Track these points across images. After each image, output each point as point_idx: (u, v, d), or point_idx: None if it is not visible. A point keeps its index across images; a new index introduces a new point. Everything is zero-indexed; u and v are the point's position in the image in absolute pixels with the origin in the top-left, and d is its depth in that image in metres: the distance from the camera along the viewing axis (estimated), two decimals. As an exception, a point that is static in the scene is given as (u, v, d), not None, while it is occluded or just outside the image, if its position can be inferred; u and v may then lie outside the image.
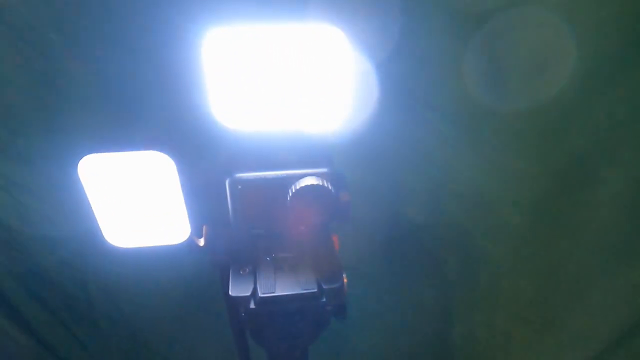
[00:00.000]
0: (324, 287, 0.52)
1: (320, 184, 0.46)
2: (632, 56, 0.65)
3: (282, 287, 0.52)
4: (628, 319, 0.96)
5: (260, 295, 0.50)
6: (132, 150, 0.44)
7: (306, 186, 0.46)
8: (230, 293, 0.51)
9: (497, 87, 0.65)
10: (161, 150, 0.45)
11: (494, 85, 0.65)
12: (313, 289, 0.52)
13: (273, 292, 0.51)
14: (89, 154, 0.44)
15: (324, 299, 0.52)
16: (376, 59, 0.46)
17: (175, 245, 0.52)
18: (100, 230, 0.50)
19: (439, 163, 0.74)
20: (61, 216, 0.72)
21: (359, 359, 1.05)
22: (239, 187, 0.46)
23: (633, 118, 0.73)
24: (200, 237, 0.53)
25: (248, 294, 0.51)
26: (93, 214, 0.48)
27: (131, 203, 0.49)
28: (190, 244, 0.52)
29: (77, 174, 0.45)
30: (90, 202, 0.47)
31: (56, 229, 0.79)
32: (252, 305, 0.51)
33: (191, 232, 0.52)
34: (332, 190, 0.47)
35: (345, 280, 0.54)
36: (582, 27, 0.61)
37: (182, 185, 0.48)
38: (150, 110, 0.50)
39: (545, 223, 0.88)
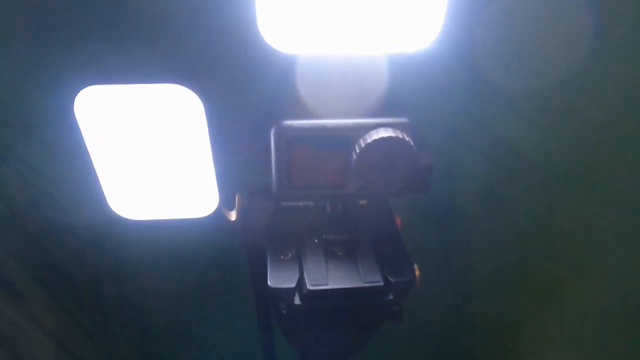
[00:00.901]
0: (392, 280, 0.40)
1: (399, 136, 0.34)
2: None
3: (336, 279, 0.39)
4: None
5: (309, 287, 0.38)
6: (147, 82, 0.32)
7: (380, 139, 0.34)
8: (269, 284, 0.39)
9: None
10: (186, 84, 0.33)
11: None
12: (378, 282, 0.39)
13: (325, 285, 0.39)
14: (88, 85, 0.32)
15: (391, 296, 0.40)
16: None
17: (199, 219, 0.40)
18: (105, 198, 0.39)
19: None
20: (73, 202, 0.61)
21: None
22: (289, 138, 0.34)
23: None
24: (232, 210, 0.41)
25: (292, 285, 0.39)
26: (96, 173, 0.37)
27: (143, 162, 0.37)
28: (217, 217, 0.41)
29: (73, 111, 0.33)
30: (89, 149, 0.35)
31: (68, 216, 0.69)
32: (297, 301, 0.39)
33: (220, 203, 0.40)
34: (414, 148, 0.34)
35: (417, 272, 0.41)
36: None
37: (211, 136, 0.36)
38: (174, 30, 0.38)
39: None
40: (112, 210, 0.39)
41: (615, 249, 0.77)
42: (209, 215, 0.40)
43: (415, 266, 0.42)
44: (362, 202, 0.45)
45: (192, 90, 0.33)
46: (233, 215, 0.41)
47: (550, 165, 0.67)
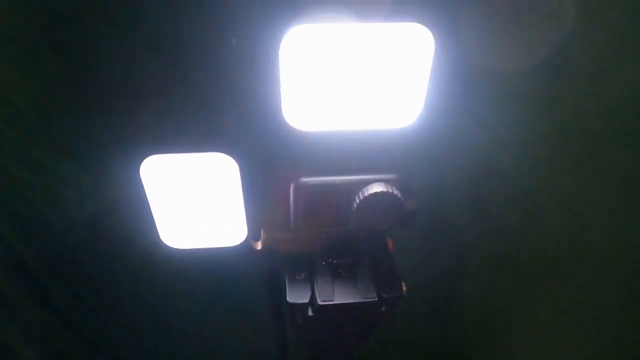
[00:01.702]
0: (384, 295, 0.50)
1: (389, 191, 0.44)
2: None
3: (341, 295, 0.50)
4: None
5: (320, 302, 0.49)
6: (196, 151, 0.42)
7: (375, 193, 0.44)
8: (288, 299, 0.49)
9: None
10: (226, 152, 0.43)
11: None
12: (373, 297, 0.50)
13: (332, 300, 0.49)
14: (152, 154, 0.42)
15: (383, 308, 0.51)
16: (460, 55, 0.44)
17: (232, 247, 0.50)
18: (158, 231, 0.49)
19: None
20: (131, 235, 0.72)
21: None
22: (305, 191, 0.44)
23: None
24: (257, 241, 0.51)
25: (306, 300, 0.50)
26: (151, 214, 0.47)
27: (189, 203, 0.48)
28: (246, 247, 0.51)
29: (139, 174, 0.43)
30: (150, 202, 0.46)
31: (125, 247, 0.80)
32: (310, 313, 0.50)
33: (248, 235, 0.50)
34: (401, 198, 0.45)
35: (404, 289, 0.52)
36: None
37: (243, 187, 0.46)
38: (217, 112, 0.48)
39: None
40: (163, 242, 0.50)
41: (607, 234, 0.86)
42: (239, 245, 0.50)
43: (403, 283, 0.53)
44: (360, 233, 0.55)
45: (230, 156, 0.43)
46: (259, 245, 0.51)
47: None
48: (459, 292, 1.01)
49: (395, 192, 0.44)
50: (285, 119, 0.41)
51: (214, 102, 0.49)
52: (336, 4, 0.34)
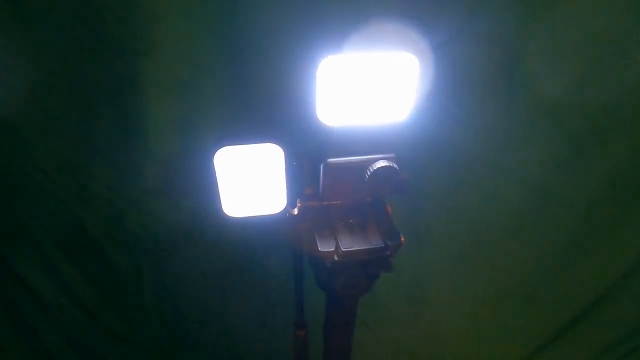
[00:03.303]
0: (388, 243, 0.69)
1: (391, 165, 0.63)
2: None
3: (357, 244, 0.69)
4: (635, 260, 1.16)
5: (343, 249, 0.67)
6: (256, 143, 0.60)
7: (381, 167, 0.63)
8: (319, 249, 0.68)
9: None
10: (274, 142, 0.61)
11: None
12: (381, 244, 0.69)
13: (352, 247, 0.68)
14: (224, 146, 0.60)
15: (388, 253, 0.70)
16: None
17: (276, 214, 0.68)
18: (221, 205, 0.67)
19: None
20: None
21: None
22: (331, 168, 0.63)
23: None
24: (294, 208, 0.69)
25: (333, 249, 0.68)
26: (218, 192, 0.65)
27: (247, 182, 0.65)
28: (286, 213, 0.69)
29: (213, 162, 0.61)
30: (219, 183, 0.63)
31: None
32: (336, 258, 0.68)
33: (287, 204, 0.69)
34: (398, 170, 0.64)
35: (402, 239, 0.71)
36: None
37: (286, 169, 0.64)
38: (269, 114, 0.65)
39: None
40: (226, 213, 0.67)
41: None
42: (281, 211, 0.69)
43: (401, 235, 0.72)
44: (368, 199, 0.74)
45: (279, 145, 0.61)
46: (295, 211, 0.69)
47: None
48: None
49: (394, 166, 0.63)
50: (319, 118, 0.59)
51: (268, 107, 0.67)
52: (355, 41, 0.53)
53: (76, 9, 0.81)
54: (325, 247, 0.68)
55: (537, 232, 1.17)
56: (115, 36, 0.80)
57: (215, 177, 0.63)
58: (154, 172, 0.95)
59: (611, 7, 0.84)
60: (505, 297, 1.31)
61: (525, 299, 1.31)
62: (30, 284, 1.36)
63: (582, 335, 1.34)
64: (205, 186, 0.63)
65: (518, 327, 1.37)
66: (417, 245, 1.21)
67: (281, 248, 0.93)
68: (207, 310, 1.40)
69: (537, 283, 1.27)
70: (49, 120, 0.98)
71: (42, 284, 1.37)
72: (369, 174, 0.63)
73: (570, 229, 1.16)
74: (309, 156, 0.65)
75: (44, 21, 0.84)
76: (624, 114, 0.97)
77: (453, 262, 1.26)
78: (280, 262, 1.17)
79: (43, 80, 0.90)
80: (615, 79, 0.92)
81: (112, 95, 0.91)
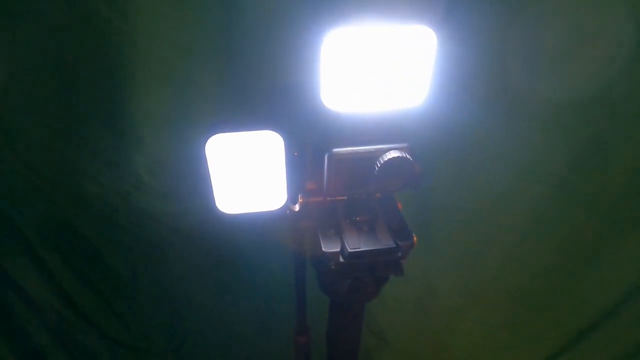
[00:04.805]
0: (400, 243, 0.63)
1: (404, 155, 0.56)
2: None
3: (365, 244, 0.62)
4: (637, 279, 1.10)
5: (349, 250, 0.61)
6: (252, 130, 0.54)
7: (392, 157, 0.56)
8: (323, 249, 0.61)
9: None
10: (274, 130, 0.54)
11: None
12: (392, 245, 0.62)
13: (359, 248, 0.61)
14: (217, 133, 0.53)
15: (399, 254, 0.63)
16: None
17: (275, 210, 0.62)
18: (214, 200, 0.60)
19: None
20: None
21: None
22: (336, 158, 0.56)
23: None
24: (295, 204, 0.63)
25: (338, 249, 0.62)
26: (211, 185, 0.58)
27: (242, 175, 0.59)
28: (286, 209, 0.63)
29: (204, 152, 0.54)
30: (212, 175, 0.57)
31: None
32: (341, 259, 0.62)
33: (287, 200, 0.62)
34: (412, 161, 0.57)
35: (415, 239, 0.64)
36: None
37: (286, 159, 0.57)
38: (268, 97, 0.59)
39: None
40: (219, 209, 0.61)
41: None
42: (281, 207, 0.62)
43: (414, 234, 0.65)
44: (377, 195, 0.67)
45: (278, 133, 0.55)
46: (296, 208, 0.63)
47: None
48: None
49: (407, 157, 0.56)
50: (323, 102, 0.52)
51: (266, 90, 0.60)
52: (365, 11, 0.46)
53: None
54: (329, 247, 0.62)
55: (552, 235, 1.11)
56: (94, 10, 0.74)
57: (207, 169, 0.56)
58: (145, 167, 0.89)
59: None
60: (515, 302, 1.25)
61: (536, 305, 1.25)
62: (21, 284, 1.31)
63: (596, 343, 1.28)
64: (196, 180, 0.56)
65: (527, 335, 1.31)
66: (426, 244, 1.14)
67: (281, 248, 0.87)
68: (206, 311, 1.35)
69: (550, 289, 1.21)
70: (33, 114, 0.93)
71: (32, 284, 1.33)
72: (379, 165, 0.56)
73: (587, 232, 1.10)
74: (312, 146, 0.58)
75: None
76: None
77: (464, 262, 1.19)
78: (281, 263, 1.11)
79: (26, 72, 0.85)
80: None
81: (100, 87, 0.85)
